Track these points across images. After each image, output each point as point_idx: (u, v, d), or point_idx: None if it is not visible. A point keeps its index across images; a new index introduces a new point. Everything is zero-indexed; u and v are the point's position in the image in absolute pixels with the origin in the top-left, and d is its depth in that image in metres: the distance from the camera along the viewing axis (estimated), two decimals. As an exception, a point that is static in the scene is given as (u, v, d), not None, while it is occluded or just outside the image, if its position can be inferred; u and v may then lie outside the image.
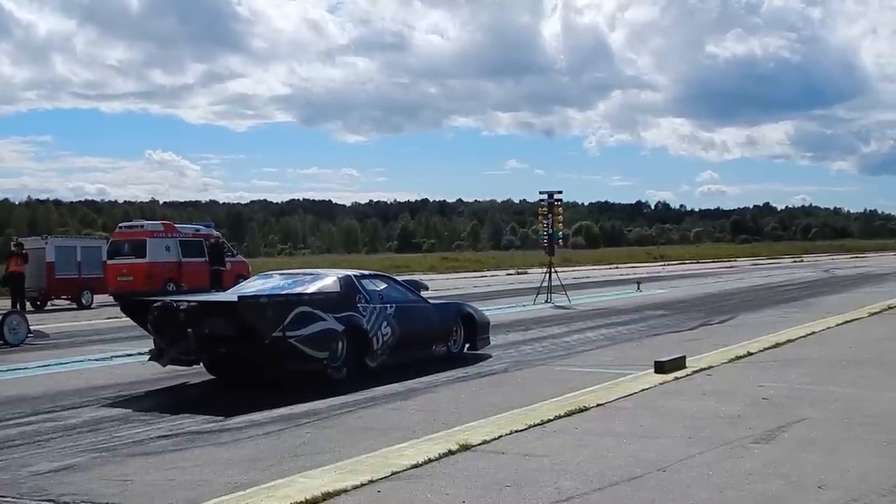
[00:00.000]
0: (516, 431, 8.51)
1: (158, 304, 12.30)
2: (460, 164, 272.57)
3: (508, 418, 9.24)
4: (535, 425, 8.78)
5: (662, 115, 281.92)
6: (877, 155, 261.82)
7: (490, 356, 14.83)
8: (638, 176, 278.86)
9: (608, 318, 21.72)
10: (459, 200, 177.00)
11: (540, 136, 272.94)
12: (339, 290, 13.03)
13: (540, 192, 28.31)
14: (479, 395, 11.26)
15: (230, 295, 13.20)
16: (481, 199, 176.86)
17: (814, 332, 17.03)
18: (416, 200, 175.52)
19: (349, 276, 13.64)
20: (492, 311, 22.41)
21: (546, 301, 26.63)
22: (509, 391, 11.48)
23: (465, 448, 7.81)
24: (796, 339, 15.88)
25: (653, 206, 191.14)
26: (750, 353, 14.01)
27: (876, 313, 21.03)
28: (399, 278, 16.34)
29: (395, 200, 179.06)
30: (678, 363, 12.60)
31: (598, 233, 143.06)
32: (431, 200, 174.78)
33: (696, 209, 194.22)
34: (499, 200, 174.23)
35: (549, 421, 8.99)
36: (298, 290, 13.01)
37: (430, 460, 7.40)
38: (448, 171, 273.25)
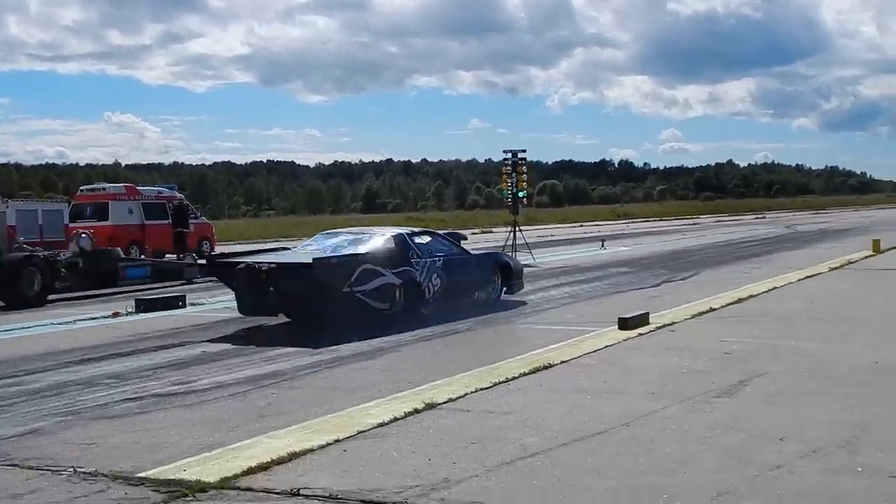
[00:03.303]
0: (481, 389, 8.55)
1: (242, 265, 13.86)
2: (424, 123, 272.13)
3: (474, 376, 9.28)
4: (499, 383, 8.82)
5: (625, 73, 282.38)
6: (837, 111, 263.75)
7: (457, 317, 14.84)
8: (601, 134, 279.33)
9: (572, 276, 21.80)
10: (424, 160, 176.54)
11: (503, 95, 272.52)
12: (393, 247, 14.62)
13: (504, 152, 28.23)
14: (445, 354, 11.31)
15: (305, 256, 14.04)
16: (445, 159, 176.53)
17: (775, 288, 17.16)
18: (380, 161, 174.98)
19: (402, 234, 15.24)
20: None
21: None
22: (474, 350, 11.54)
23: (431, 406, 7.83)
24: (758, 295, 15.98)
25: (616, 165, 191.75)
26: (712, 309, 14.10)
27: (836, 268, 21.21)
28: (441, 232, 18.00)
29: (359, 161, 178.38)
30: (642, 320, 12.67)
31: (563, 191, 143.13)
32: (395, 160, 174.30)
33: (660, 167, 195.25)
34: (463, 160, 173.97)
35: (514, 378, 9.03)
36: (359, 248, 14.39)
37: (395, 419, 7.42)
38: (411, 130, 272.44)
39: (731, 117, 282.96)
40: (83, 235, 22.15)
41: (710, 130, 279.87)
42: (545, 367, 9.59)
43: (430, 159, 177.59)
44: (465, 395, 8.32)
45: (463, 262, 15.90)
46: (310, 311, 13.81)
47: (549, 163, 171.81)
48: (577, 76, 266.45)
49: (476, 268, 16.23)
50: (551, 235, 45.60)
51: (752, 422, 7.18)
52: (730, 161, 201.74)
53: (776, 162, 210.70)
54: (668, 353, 10.42)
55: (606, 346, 11.01)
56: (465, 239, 19.60)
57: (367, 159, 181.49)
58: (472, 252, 17.31)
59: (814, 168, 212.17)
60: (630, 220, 68.13)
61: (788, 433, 6.79)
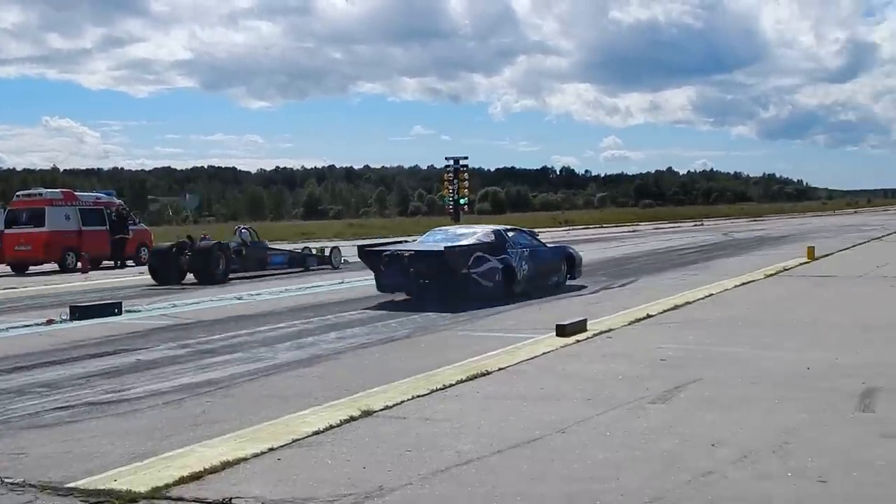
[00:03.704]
0: (418, 396, 8.53)
1: (388, 252, 17.86)
2: (367, 130, 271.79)
3: (411, 383, 9.26)
4: (437, 390, 8.81)
5: (567, 81, 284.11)
6: (775, 120, 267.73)
7: (392, 322, 14.81)
8: (543, 142, 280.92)
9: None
10: (366, 167, 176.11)
11: (446, 102, 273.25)
12: (494, 239, 18.39)
13: (446, 159, 28.52)
14: (383, 361, 11.26)
15: (434, 245, 18.00)
16: (388, 166, 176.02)
17: (712, 295, 17.33)
18: (323, 167, 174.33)
19: (499, 229, 19.19)
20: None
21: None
22: (413, 356, 11.49)
23: (367, 414, 7.80)
24: (695, 302, 16.16)
25: (558, 172, 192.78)
26: (650, 316, 14.24)
27: (772, 275, 21.49)
28: (525, 229, 21.67)
29: (301, 167, 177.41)
30: (579, 326, 12.72)
31: (505, 198, 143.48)
32: (338, 167, 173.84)
33: (601, 174, 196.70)
34: (406, 166, 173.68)
35: (451, 385, 9.03)
36: (471, 240, 18.21)
37: (331, 427, 7.38)
38: (354, 137, 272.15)
39: (671, 125, 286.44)
40: (244, 230, 27.05)
41: (651, 138, 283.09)
42: (482, 374, 9.60)
43: (372, 166, 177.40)
44: (402, 402, 8.29)
45: (542, 253, 19.74)
46: (438, 288, 17.16)
47: (492, 170, 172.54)
48: (521, 83, 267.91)
49: (551, 257, 20.06)
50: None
51: (686, 427, 7.24)
52: (670, 168, 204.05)
53: (715, 169, 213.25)
54: (605, 360, 10.48)
55: (544, 353, 11.04)
56: (537, 236, 22.18)
57: (309, 165, 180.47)
58: (548, 245, 20.96)
59: (752, 176, 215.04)
60: (571, 227, 68.30)
61: (721, 439, 6.86)
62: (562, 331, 12.40)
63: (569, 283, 20.21)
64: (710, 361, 10.28)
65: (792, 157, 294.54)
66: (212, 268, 24.03)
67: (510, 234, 19.30)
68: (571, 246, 22.13)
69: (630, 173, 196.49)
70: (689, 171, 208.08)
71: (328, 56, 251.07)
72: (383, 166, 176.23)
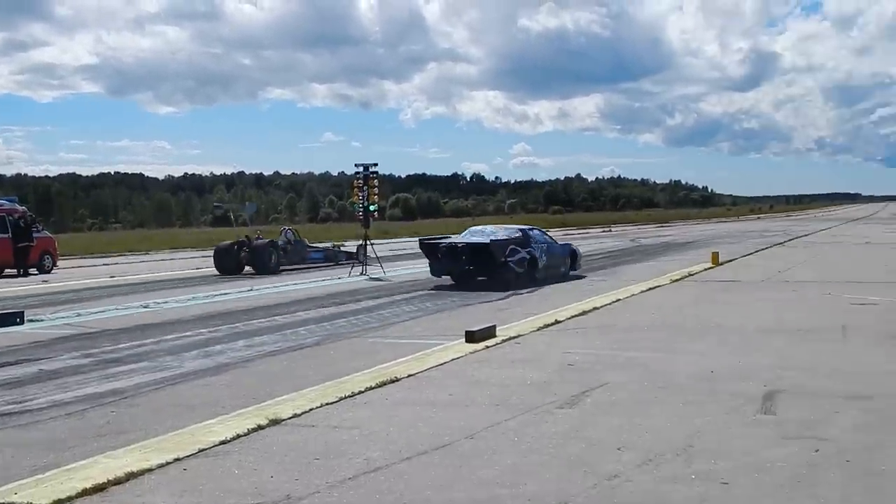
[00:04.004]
0: (327, 404, 8.49)
1: (444, 245, 22.76)
2: (277, 136, 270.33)
3: (319, 391, 9.20)
4: (346, 397, 8.78)
5: (477, 88, 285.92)
6: (681, 128, 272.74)
7: (301, 330, 14.72)
8: (454, 148, 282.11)
9: (422, 289, 21.81)
10: (276, 173, 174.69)
11: (357, 108, 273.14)
12: (522, 235, 23.05)
13: (356, 165, 28.12)
14: (291, 370, 11.17)
15: (481, 238, 22.79)
16: (298, 172, 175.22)
17: (619, 300, 17.56)
18: (232, 173, 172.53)
19: (523, 228, 24.13)
20: (306, 286, 22.27)
21: (361, 273, 26.59)
22: (322, 364, 11.42)
23: (275, 422, 7.74)
24: (602, 307, 16.34)
25: (468, 178, 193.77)
26: (558, 322, 14.35)
27: (677, 280, 21.88)
28: (542, 229, 26.08)
29: (210, 173, 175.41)
30: (488, 332, 12.77)
31: (415, 205, 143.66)
32: (247, 173, 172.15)
33: (511, 181, 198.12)
34: (316, 173, 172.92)
35: (360, 393, 9.01)
36: (507, 235, 23.00)
37: (238, 436, 7.31)
38: (264, 143, 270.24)
39: (580, 132, 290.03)
40: (289, 230, 31.81)
41: (560, 145, 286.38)
42: (392, 381, 9.59)
43: (282, 172, 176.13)
44: (311, 410, 8.25)
45: (554, 248, 24.21)
46: (482, 272, 22.17)
47: (402, 176, 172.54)
48: (431, 90, 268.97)
49: (560, 252, 24.52)
50: (403, 249, 45.61)
51: (593, 432, 7.32)
52: (578, 175, 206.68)
53: (623, 176, 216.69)
54: (514, 366, 10.54)
55: (453, 359, 11.07)
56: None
57: (218, 172, 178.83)
58: (558, 242, 25.60)
59: (658, 182, 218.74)
60: (481, 234, 68.37)
61: (626, 442, 6.95)
62: (471, 337, 12.42)
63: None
64: (617, 366, 10.40)
65: (697, 164, 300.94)
66: (266, 261, 28.75)
67: (532, 232, 24.02)
68: (573, 244, 27.22)
69: (539, 180, 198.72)
70: (597, 178, 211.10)
71: (237, 62, 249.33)
72: (293, 172, 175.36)
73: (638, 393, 8.89)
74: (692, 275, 23.49)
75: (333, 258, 32.18)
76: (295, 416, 8.01)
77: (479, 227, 25.60)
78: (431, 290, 21.56)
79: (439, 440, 7.11)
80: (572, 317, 14.95)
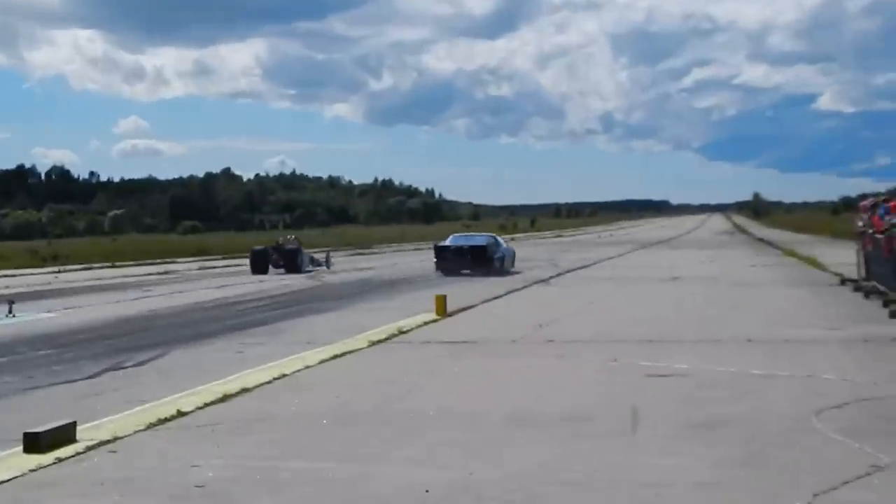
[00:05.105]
0: None
1: (453, 246, 50.10)
2: None
3: None
4: None
5: (59, 25, 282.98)
6: (392, 95, 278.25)
7: None
8: (19, 124, 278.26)
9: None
10: None
11: None
12: (496, 239, 52.99)
13: None
14: None
15: (478, 242, 51.20)
16: None
17: (286, 375, 17.28)
18: None
19: (492, 235, 57.60)
20: None
21: None
22: None
23: None
24: (256, 388, 16.01)
25: (43, 175, 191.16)
26: (182, 413, 14.01)
27: (381, 341, 21.78)
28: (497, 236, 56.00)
29: None
30: (64, 434, 12.29)
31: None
32: None
33: (114, 179, 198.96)
34: None
35: None
36: (489, 240, 51.83)
37: None
38: None
39: (230, 100, 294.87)
40: (295, 238, 58.96)
41: (198, 121, 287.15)
42: None
43: None
44: None
45: (507, 250, 52.04)
46: (479, 267, 46.80)
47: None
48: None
49: (510, 254, 52.19)
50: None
51: None
52: (228, 171, 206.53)
53: (300, 172, 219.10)
54: (103, 492, 10.15)
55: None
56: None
57: None
58: (507, 245, 53.66)
59: (357, 182, 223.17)
60: (63, 267, 66.19)
61: None
62: (34, 443, 11.86)
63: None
64: (277, 486, 10.25)
65: (418, 155, 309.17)
66: (297, 263, 52.90)
67: (497, 237, 53.42)
68: (512, 247, 55.49)
69: (162, 178, 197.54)
70: (258, 175, 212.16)
71: None
72: None
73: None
74: (405, 332, 23.51)
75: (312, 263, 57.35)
76: None
77: (463, 234, 61.31)
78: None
79: None
80: (207, 405, 14.56)
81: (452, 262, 47.92)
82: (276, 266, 52.78)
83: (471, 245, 49.21)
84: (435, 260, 49.12)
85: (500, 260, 48.65)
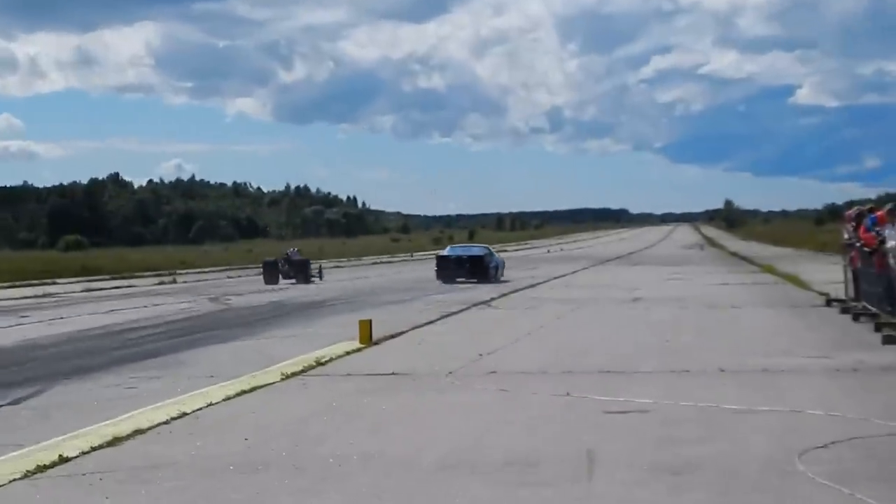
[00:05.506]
0: None
1: (454, 256, 66.53)
2: None
3: None
4: None
5: None
6: (305, 87, 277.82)
7: None
8: None
9: None
10: None
11: None
12: (489, 250, 71.33)
13: None
14: None
15: (476, 252, 68.36)
16: None
17: (185, 414, 17.26)
18: None
19: (485, 245, 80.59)
20: None
21: None
22: None
23: None
24: (151, 429, 15.96)
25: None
26: (65, 459, 13.90)
27: (295, 374, 21.81)
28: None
29: None
30: None
31: None
32: None
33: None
34: None
35: None
36: (485, 250, 70.50)
37: None
38: None
39: (117, 94, 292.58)
40: (297, 250, 73.46)
41: (80, 119, 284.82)
42: None
43: None
44: None
45: (497, 259, 68.35)
46: (474, 276, 61.58)
47: None
48: None
49: (501, 263, 68.13)
50: None
51: None
52: (116, 176, 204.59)
53: (199, 178, 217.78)
54: None
55: None
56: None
57: None
58: (498, 255, 71.38)
59: (266, 189, 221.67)
60: None
61: None
62: None
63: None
64: None
65: (336, 157, 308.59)
66: (306, 274, 64.39)
67: (490, 248, 72.99)
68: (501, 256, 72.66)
69: (40, 185, 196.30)
70: (151, 182, 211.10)
71: None
72: None
73: None
74: (323, 363, 23.51)
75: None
76: None
77: (461, 245, 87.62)
78: None
79: None
80: (93, 450, 14.47)
81: (453, 271, 61.27)
82: (287, 277, 64.59)
83: (469, 255, 64.01)
84: (436, 269, 62.63)
85: (494, 269, 62.54)
